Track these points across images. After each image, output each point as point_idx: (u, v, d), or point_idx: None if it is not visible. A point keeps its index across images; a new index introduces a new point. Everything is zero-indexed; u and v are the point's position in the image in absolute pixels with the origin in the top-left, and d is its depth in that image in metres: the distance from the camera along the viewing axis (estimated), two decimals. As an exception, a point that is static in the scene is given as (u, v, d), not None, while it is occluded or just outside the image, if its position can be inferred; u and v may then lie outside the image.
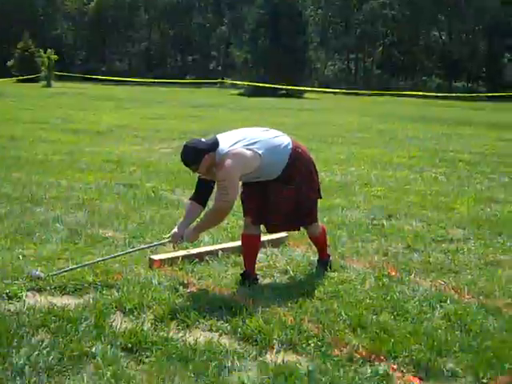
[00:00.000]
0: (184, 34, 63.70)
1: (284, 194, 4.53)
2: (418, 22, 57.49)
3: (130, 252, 4.96)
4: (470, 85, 55.18)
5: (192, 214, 4.59)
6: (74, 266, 4.59)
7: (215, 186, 4.52)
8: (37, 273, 4.42)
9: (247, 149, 4.38)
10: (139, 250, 4.98)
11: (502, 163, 11.52)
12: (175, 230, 4.55)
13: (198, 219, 4.61)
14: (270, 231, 4.96)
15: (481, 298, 4.39)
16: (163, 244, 4.87)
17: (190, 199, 4.67)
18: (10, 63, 46.49)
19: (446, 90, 45.54)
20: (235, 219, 6.03)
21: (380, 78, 57.04)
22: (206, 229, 4.79)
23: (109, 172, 9.10)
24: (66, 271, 4.50)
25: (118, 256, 4.84)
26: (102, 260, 4.74)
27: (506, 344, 3.61)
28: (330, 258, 5.02)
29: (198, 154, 4.32)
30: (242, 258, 4.80)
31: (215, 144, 4.38)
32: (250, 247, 4.70)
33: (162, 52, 65.61)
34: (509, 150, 13.84)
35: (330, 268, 4.90)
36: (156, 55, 65.08)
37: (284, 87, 37.06)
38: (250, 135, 4.51)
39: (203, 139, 4.46)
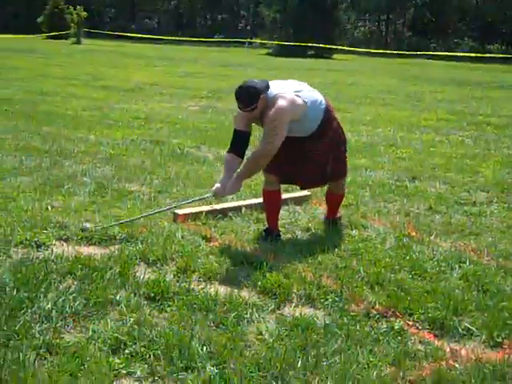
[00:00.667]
0: (214, -9, 63.04)
1: (319, 148, 4.60)
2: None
3: (171, 208, 4.96)
4: (503, 47, 53.91)
5: (232, 166, 4.57)
6: (121, 221, 4.63)
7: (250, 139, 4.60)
8: (86, 225, 4.54)
9: (296, 95, 4.45)
10: (180, 205, 5.00)
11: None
12: (217, 185, 4.54)
13: (238, 170, 4.61)
14: (303, 188, 5.20)
15: (500, 260, 4.41)
16: (205, 199, 4.90)
17: (227, 152, 4.64)
18: (40, 20, 46.48)
19: (479, 53, 44.58)
20: (259, 176, 6.06)
21: (411, 40, 55.94)
22: (248, 176, 4.69)
23: (136, 128, 9.20)
24: (112, 225, 4.56)
25: (162, 211, 4.88)
26: (147, 215, 4.78)
27: (522, 304, 3.63)
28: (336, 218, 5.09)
29: (255, 95, 4.36)
30: (264, 214, 4.87)
31: (268, 86, 4.43)
32: (271, 203, 4.76)
33: (192, 10, 65.00)
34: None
35: (340, 219, 5.06)
36: (186, 13, 64.57)
37: (312, 45, 36.51)
38: (293, 85, 4.57)
39: (256, 80, 4.48)
